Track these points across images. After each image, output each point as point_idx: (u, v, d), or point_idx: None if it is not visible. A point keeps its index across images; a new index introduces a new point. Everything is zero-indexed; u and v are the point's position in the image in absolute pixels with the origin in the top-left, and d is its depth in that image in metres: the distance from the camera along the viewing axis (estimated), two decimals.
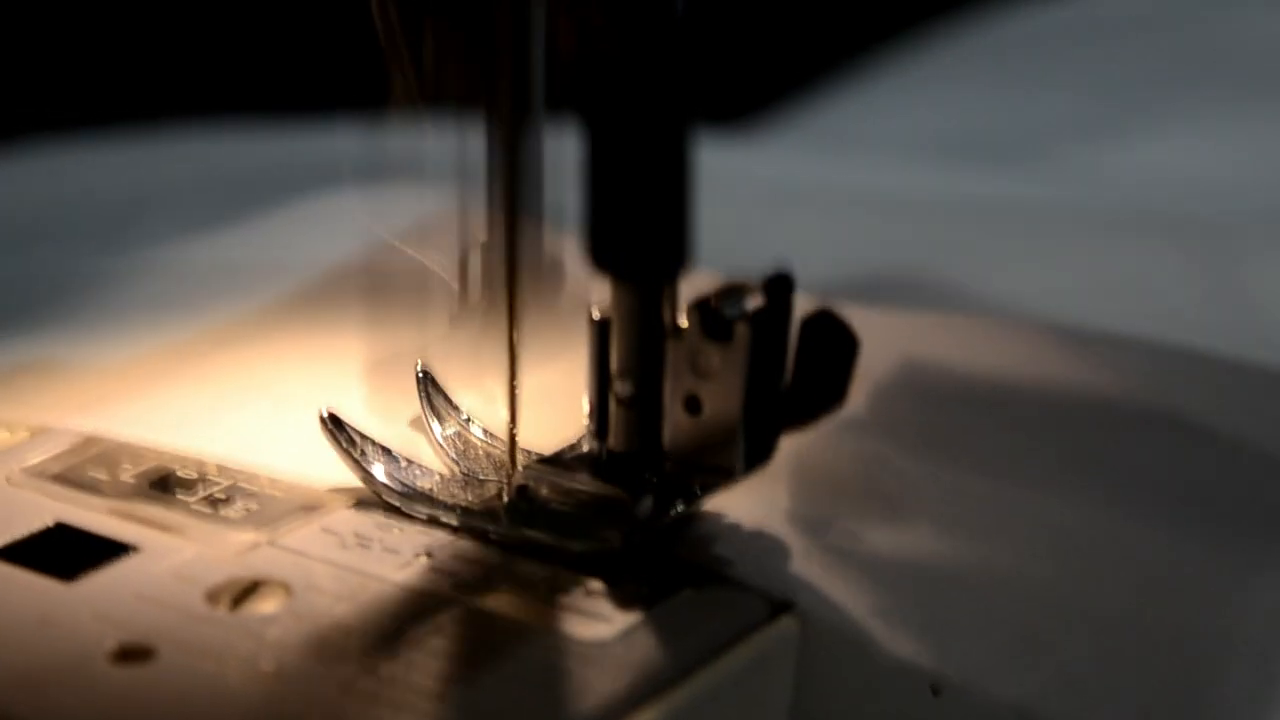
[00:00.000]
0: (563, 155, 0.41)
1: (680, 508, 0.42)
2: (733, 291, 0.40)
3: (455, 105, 0.42)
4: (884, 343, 0.48)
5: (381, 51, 0.43)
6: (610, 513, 0.41)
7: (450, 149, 0.43)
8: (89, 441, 0.47)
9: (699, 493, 0.42)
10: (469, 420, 0.46)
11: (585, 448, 0.42)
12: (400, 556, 0.42)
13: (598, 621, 0.39)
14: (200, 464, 0.46)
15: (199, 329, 0.54)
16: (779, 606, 0.39)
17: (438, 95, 0.42)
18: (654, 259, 0.40)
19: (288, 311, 0.56)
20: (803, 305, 0.41)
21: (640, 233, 0.39)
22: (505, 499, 0.42)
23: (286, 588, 0.40)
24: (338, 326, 0.54)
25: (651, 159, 0.39)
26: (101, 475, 0.45)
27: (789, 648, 0.39)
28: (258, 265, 0.61)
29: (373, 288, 0.55)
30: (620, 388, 0.41)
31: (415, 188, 0.46)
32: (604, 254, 0.40)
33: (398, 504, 0.43)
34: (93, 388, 0.50)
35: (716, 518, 0.42)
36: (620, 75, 0.38)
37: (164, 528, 0.43)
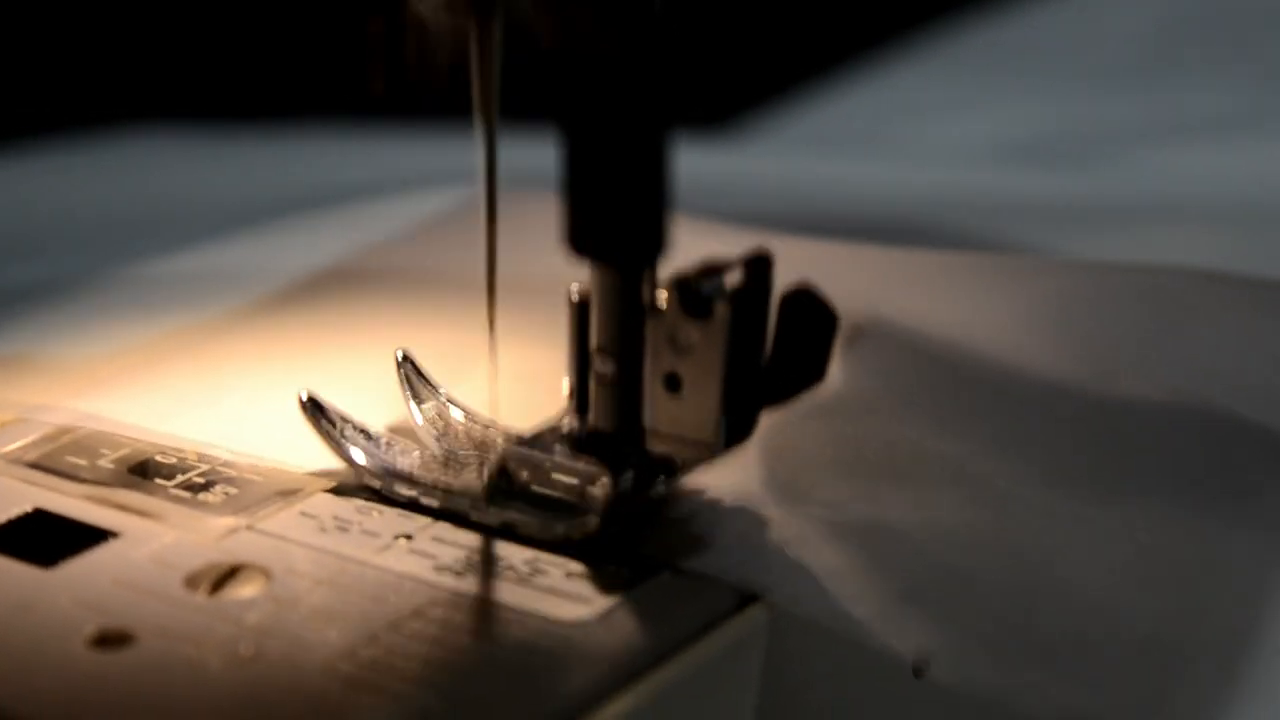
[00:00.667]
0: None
1: (661, 485, 0.41)
2: (712, 270, 0.40)
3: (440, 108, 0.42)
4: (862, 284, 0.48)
5: (370, 58, 0.43)
6: (591, 492, 0.41)
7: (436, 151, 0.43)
8: (67, 428, 0.47)
9: (679, 470, 0.42)
10: (449, 401, 0.46)
11: (566, 427, 0.42)
12: (379, 539, 0.41)
13: (577, 603, 0.39)
14: (179, 450, 0.45)
15: (181, 324, 0.54)
16: (750, 594, 0.39)
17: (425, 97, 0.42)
18: (634, 243, 0.39)
19: (270, 307, 0.56)
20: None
21: (620, 217, 0.39)
22: (485, 480, 0.42)
23: (266, 572, 0.40)
24: (320, 321, 0.54)
25: (631, 143, 0.38)
26: (80, 461, 0.45)
27: (759, 634, 0.39)
28: (246, 272, 0.61)
29: (357, 285, 0.55)
30: (600, 366, 0.41)
31: (403, 194, 0.46)
32: (584, 238, 0.39)
33: (378, 486, 0.43)
34: (72, 377, 0.50)
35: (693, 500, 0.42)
36: (599, 61, 0.38)
37: (143, 513, 0.43)
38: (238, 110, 1.00)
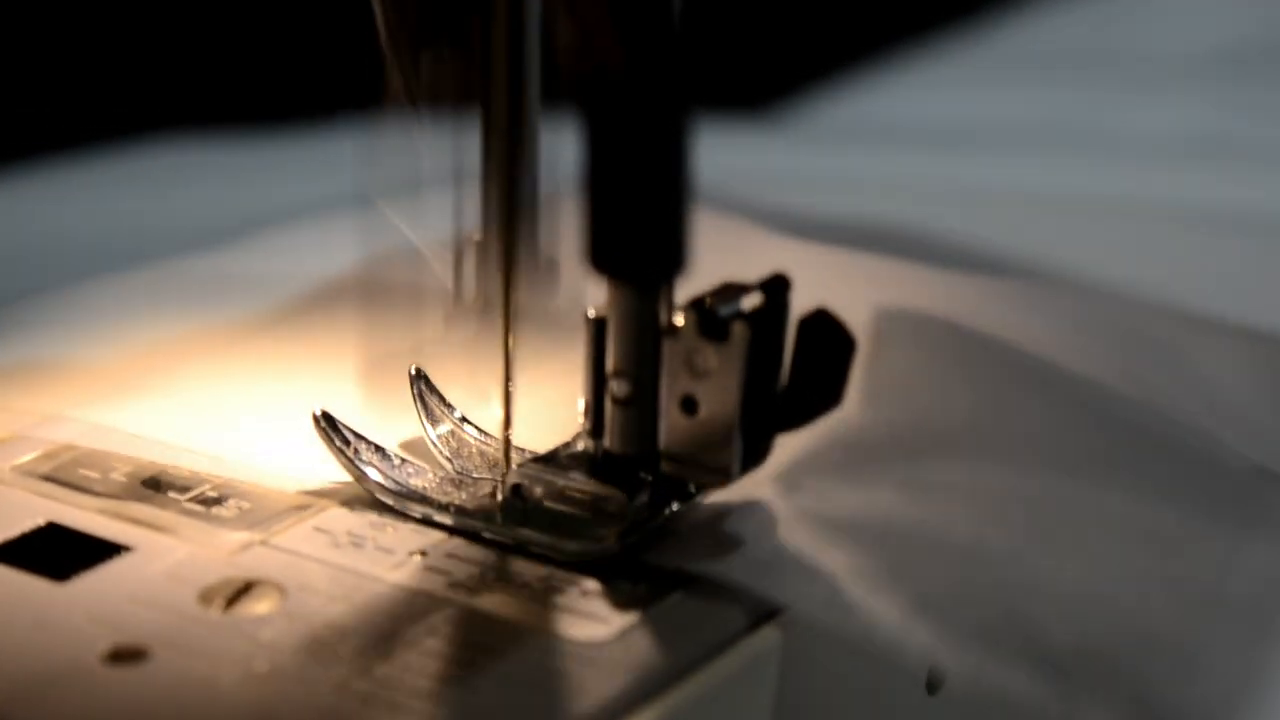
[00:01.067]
0: (560, 153, 0.41)
1: (675, 508, 0.41)
2: (729, 291, 0.40)
3: (451, 105, 0.42)
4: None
5: (374, 55, 0.43)
6: (605, 512, 0.41)
7: (445, 150, 0.43)
8: (80, 440, 0.47)
9: (694, 493, 0.42)
10: (463, 419, 0.46)
11: (580, 447, 0.42)
12: (394, 556, 0.41)
13: (593, 622, 0.39)
14: (192, 463, 0.45)
15: (193, 332, 0.54)
16: (766, 611, 0.39)
17: (434, 96, 0.42)
18: (652, 261, 0.39)
19: (283, 317, 0.55)
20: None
21: (639, 235, 0.39)
22: (500, 498, 0.42)
23: (280, 588, 0.40)
24: (332, 331, 0.54)
25: (650, 160, 0.38)
26: (93, 474, 0.45)
27: (774, 651, 0.39)
28: (255, 278, 0.61)
29: (368, 295, 0.54)
30: (616, 387, 0.41)
31: (412, 194, 0.46)
32: (602, 256, 0.39)
33: (391, 503, 0.43)
34: (83, 387, 0.50)
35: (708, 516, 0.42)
36: (619, 77, 0.38)
37: (156, 527, 0.43)
38: (268, 116, 1.00)
